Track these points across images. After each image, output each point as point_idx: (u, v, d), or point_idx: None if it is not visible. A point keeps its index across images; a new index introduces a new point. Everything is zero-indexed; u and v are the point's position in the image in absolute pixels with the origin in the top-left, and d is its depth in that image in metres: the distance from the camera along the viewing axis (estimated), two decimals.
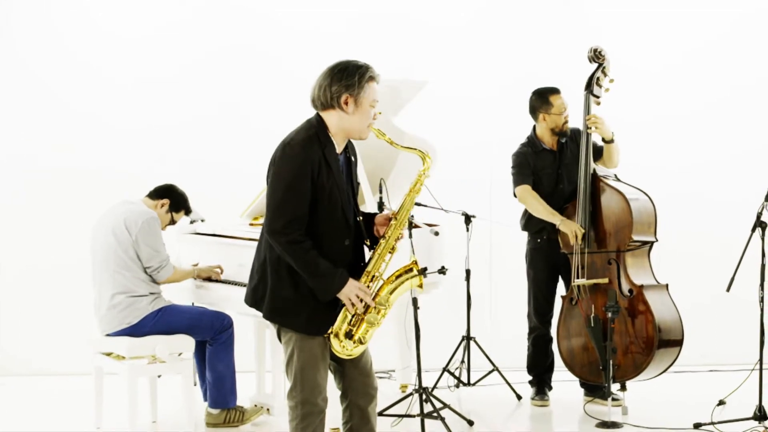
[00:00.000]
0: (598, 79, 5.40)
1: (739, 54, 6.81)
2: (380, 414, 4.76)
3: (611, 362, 5.06)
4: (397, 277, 3.68)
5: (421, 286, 3.71)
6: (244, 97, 6.70)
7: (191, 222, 5.71)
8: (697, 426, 5.01)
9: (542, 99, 5.48)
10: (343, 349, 3.59)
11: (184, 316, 5.11)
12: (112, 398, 5.33)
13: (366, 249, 3.73)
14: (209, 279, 5.37)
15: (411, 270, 3.69)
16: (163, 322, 5.04)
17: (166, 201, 5.26)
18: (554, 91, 5.48)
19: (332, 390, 3.76)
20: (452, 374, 5.95)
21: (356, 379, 3.70)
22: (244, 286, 5.13)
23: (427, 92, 5.67)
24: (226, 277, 5.36)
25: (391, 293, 3.65)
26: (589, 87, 5.40)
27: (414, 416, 4.95)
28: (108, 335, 5.07)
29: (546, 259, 5.55)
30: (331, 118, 3.59)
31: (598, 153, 5.45)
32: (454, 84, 6.68)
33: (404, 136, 5.28)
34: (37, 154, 6.67)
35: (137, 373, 4.96)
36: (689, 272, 6.35)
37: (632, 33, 6.77)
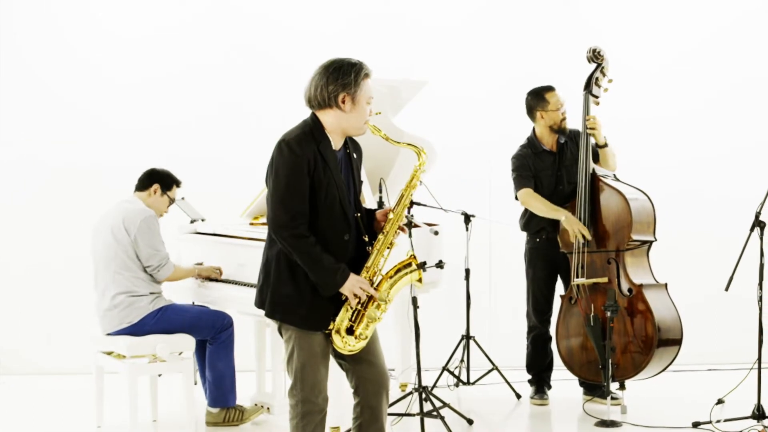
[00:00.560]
0: (597, 79, 5.41)
1: (736, 52, 6.82)
2: None
3: (610, 361, 5.07)
4: (396, 272, 3.69)
5: (420, 280, 3.73)
6: (244, 97, 6.71)
7: (191, 222, 5.72)
8: (695, 425, 5.02)
9: (538, 97, 5.49)
10: (345, 345, 3.60)
11: (185, 316, 5.12)
12: (113, 397, 5.34)
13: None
14: (209, 278, 5.39)
15: (410, 265, 3.71)
16: (163, 321, 5.05)
17: (155, 186, 5.24)
18: (549, 88, 5.48)
19: (331, 390, 3.78)
20: (452, 373, 5.96)
21: (367, 374, 3.69)
22: (245, 285, 5.20)
23: (426, 92, 5.69)
24: (226, 276, 5.37)
25: (390, 288, 3.66)
26: (588, 87, 5.41)
27: (414, 415, 4.96)
28: (109, 334, 5.08)
29: (545, 258, 5.56)
30: (327, 116, 3.61)
31: (597, 155, 5.45)
32: (454, 84, 6.69)
33: (404, 135, 5.28)
34: (38, 153, 6.68)
35: (138, 372, 4.97)
36: (688, 271, 6.36)
37: (630, 32, 6.78)
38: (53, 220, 6.64)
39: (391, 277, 3.67)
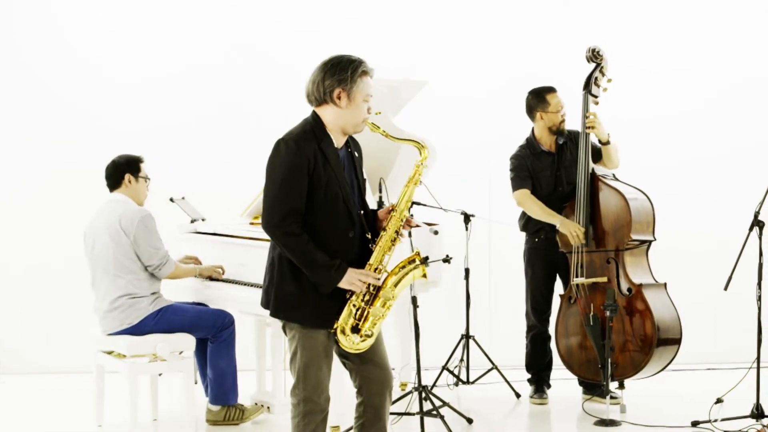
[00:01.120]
0: (596, 79, 5.41)
1: (736, 52, 6.83)
2: None
3: (609, 360, 5.08)
4: (401, 268, 3.68)
5: (425, 275, 3.71)
6: (244, 96, 6.71)
7: (192, 221, 5.73)
8: (694, 424, 5.03)
9: (539, 98, 5.50)
10: (351, 343, 3.59)
11: (185, 316, 5.12)
12: (113, 396, 5.35)
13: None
14: (210, 278, 5.39)
15: (414, 261, 3.70)
16: (164, 321, 5.06)
17: (126, 176, 5.18)
18: (550, 89, 5.50)
19: (332, 389, 3.78)
20: (451, 372, 5.97)
21: (372, 375, 3.70)
22: (245, 284, 5.20)
23: (426, 92, 5.69)
24: (227, 276, 5.38)
25: (395, 285, 3.65)
26: (587, 87, 5.41)
27: (413, 414, 4.97)
28: (109, 334, 5.08)
29: (544, 258, 5.57)
30: (326, 113, 3.62)
31: (597, 155, 5.46)
32: (454, 84, 6.70)
33: (404, 135, 5.29)
34: (38, 153, 6.69)
35: (138, 371, 4.98)
36: (687, 271, 6.37)
37: (630, 32, 6.79)
38: (53, 220, 6.65)
39: (395, 274, 3.66)
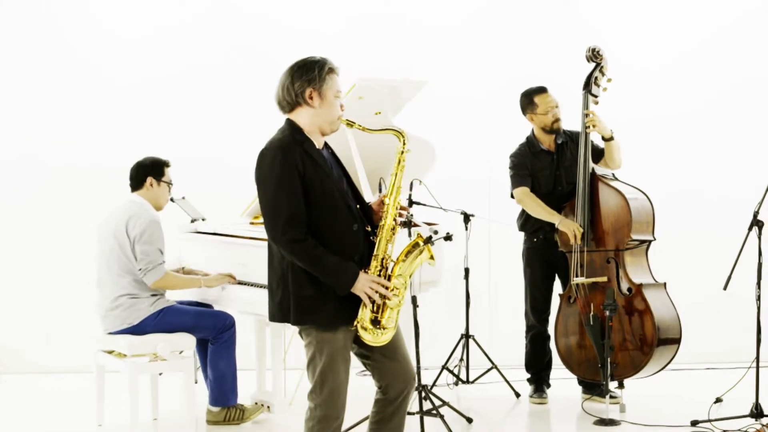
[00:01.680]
0: (596, 78, 5.42)
1: (736, 52, 6.84)
2: None
3: (609, 360, 5.08)
4: (407, 254, 3.66)
5: (432, 257, 3.69)
6: (244, 96, 6.71)
7: (192, 221, 5.73)
8: (694, 423, 5.03)
9: (527, 99, 5.51)
10: (374, 337, 3.56)
11: (186, 317, 5.12)
12: (114, 396, 5.35)
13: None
14: None
15: (417, 245, 3.68)
16: (164, 322, 5.06)
17: (149, 179, 5.19)
18: (539, 90, 5.49)
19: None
20: (451, 372, 5.98)
21: (395, 370, 3.67)
22: (245, 284, 5.20)
23: (426, 92, 5.69)
24: None
25: (404, 272, 3.63)
26: (587, 87, 5.41)
27: (413, 414, 4.96)
28: (110, 333, 5.09)
29: (542, 257, 5.58)
30: (301, 116, 3.62)
31: (599, 155, 5.45)
32: (454, 84, 6.70)
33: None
34: (38, 152, 6.69)
35: (138, 371, 4.98)
36: (687, 271, 6.37)
37: (630, 32, 6.80)
38: (53, 220, 6.65)
39: (402, 261, 3.65)
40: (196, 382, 5.37)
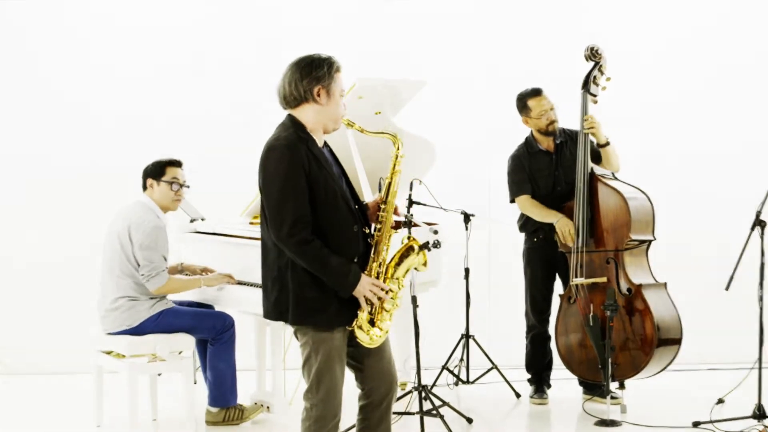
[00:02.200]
0: (595, 77, 5.40)
1: (737, 52, 6.82)
2: None
3: (610, 361, 5.07)
4: (401, 257, 3.67)
5: (425, 264, 3.70)
6: (244, 96, 6.70)
7: (191, 221, 5.72)
8: (695, 424, 5.01)
9: (521, 103, 5.50)
10: (371, 338, 3.58)
11: (185, 318, 5.10)
12: (113, 396, 5.34)
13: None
14: None
15: (412, 248, 3.68)
16: (164, 324, 5.05)
17: (149, 180, 5.18)
18: (533, 94, 5.47)
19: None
20: (451, 372, 5.96)
21: (380, 370, 3.68)
22: (245, 284, 5.19)
23: (426, 92, 5.69)
24: None
25: (399, 275, 3.65)
26: (586, 86, 5.40)
27: (413, 414, 4.96)
28: (109, 334, 5.08)
29: (542, 257, 5.57)
30: (305, 113, 3.60)
31: (597, 157, 5.44)
32: (454, 84, 6.69)
33: (403, 135, 5.28)
34: (39, 153, 6.68)
35: (137, 372, 4.98)
36: (688, 271, 6.36)
37: (630, 32, 6.78)
38: (54, 219, 6.64)
39: (397, 264, 3.65)
40: (195, 383, 5.35)
